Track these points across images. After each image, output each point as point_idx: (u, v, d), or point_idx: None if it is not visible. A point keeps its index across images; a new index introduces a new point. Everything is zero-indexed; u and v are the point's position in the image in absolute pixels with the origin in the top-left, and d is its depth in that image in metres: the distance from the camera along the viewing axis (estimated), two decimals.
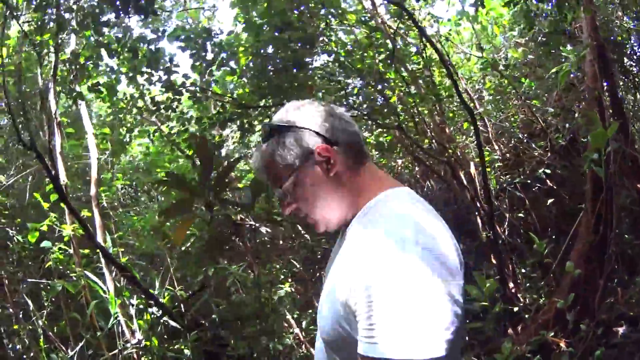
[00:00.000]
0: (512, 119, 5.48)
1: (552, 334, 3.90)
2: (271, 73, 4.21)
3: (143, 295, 4.00)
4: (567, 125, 5.35)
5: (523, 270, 4.99)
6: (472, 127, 5.12)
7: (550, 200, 5.27)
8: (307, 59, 4.43)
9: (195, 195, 3.01)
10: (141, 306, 4.30)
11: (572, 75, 5.26)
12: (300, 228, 5.43)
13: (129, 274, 3.79)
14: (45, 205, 4.78)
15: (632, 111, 5.38)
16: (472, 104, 5.25)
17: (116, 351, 4.10)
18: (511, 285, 4.96)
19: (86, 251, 4.74)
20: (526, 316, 4.59)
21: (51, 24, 4.15)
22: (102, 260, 4.41)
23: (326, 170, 1.16)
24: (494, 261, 5.04)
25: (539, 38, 5.62)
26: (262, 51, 4.23)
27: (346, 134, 1.19)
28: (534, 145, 5.23)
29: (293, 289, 5.01)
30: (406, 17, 4.41)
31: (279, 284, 4.73)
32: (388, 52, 4.48)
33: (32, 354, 4.70)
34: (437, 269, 0.98)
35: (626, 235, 4.66)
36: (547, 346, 3.96)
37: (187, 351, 4.20)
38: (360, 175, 1.20)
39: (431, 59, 4.78)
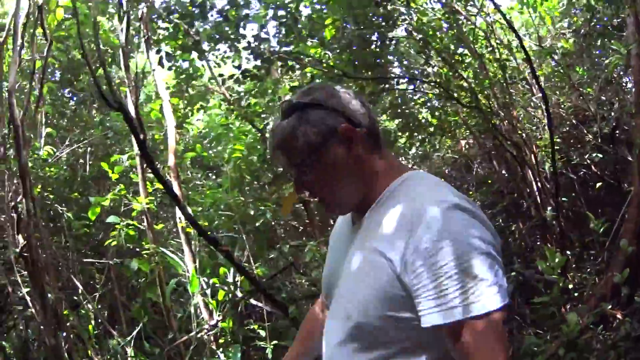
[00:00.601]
0: (563, 105, 5.76)
1: (609, 306, 4.21)
2: (355, 48, 4.33)
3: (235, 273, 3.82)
4: (612, 114, 5.68)
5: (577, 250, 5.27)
6: (532, 111, 5.39)
7: (598, 184, 5.59)
8: (389, 35, 4.56)
9: None
10: (218, 285, 4.09)
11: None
12: None
13: (224, 248, 3.47)
14: (115, 177, 4.60)
15: None
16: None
17: (193, 334, 3.94)
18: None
19: (160, 226, 4.58)
20: (584, 292, 4.88)
21: None
22: (182, 236, 4.22)
23: (347, 150, 1.16)
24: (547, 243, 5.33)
25: (583, 30, 5.93)
26: (347, 25, 4.34)
27: (368, 118, 1.19)
28: (585, 131, 5.51)
29: None
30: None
31: None
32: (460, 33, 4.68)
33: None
34: (485, 233, 1.04)
35: None
36: (604, 318, 4.25)
37: (262, 332, 4.09)
38: (379, 161, 1.20)
39: (503, 43, 4.99)
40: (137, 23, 4.42)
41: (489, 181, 5.43)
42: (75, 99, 6.38)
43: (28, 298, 4.94)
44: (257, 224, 4.62)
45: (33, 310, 4.79)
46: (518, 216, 5.38)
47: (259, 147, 5.02)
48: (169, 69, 5.18)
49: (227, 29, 4.02)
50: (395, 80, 4.55)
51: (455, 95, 4.62)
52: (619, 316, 4.20)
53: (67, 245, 5.17)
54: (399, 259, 1.04)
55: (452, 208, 1.03)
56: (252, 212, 4.59)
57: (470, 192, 5.53)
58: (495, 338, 1.01)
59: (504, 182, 5.25)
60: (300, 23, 4.07)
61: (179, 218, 4.10)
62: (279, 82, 5.22)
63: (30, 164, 5.24)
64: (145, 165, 4.17)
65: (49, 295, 4.35)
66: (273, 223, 4.82)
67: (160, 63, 4.38)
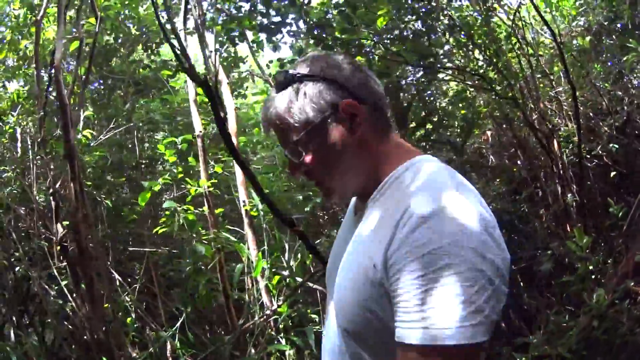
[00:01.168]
0: (580, 99, 6.13)
1: (632, 283, 4.59)
2: (408, 37, 4.56)
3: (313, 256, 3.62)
4: (625, 108, 6.08)
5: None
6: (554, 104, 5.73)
7: (612, 173, 5.98)
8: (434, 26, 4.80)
9: None
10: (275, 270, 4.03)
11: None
12: None
13: (299, 230, 3.20)
14: (172, 159, 4.48)
15: None
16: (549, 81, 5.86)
17: (257, 319, 3.85)
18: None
19: (219, 210, 4.35)
20: (606, 272, 5.26)
21: None
22: (245, 219, 4.10)
23: (350, 129, 1.03)
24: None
25: (595, 29, 6.31)
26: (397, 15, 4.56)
27: (374, 93, 1.07)
28: (600, 124, 5.88)
29: None
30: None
31: None
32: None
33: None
34: (487, 245, 0.88)
35: None
36: (627, 294, 4.62)
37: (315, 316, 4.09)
38: (385, 142, 1.07)
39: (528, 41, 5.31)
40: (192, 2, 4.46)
41: (514, 169, 5.74)
42: (102, 84, 6.39)
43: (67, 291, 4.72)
44: (305, 209, 4.69)
45: (74, 304, 4.63)
46: (539, 203, 5.71)
47: None
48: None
49: (292, 15, 4.14)
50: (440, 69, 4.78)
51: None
52: None
53: (105, 234, 5.09)
54: (381, 261, 0.92)
55: (453, 208, 0.88)
56: (300, 197, 4.68)
57: (497, 181, 5.83)
58: None
59: (526, 171, 5.58)
60: (357, 12, 4.24)
61: (243, 201, 4.07)
62: None
63: None
64: (204, 148, 4.21)
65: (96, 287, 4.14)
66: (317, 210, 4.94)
67: (233, 42, 4.42)
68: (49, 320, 4.76)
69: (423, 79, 4.45)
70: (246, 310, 4.05)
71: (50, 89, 5.18)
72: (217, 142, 5.30)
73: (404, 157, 1.05)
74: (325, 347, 1.16)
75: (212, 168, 4.42)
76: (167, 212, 4.39)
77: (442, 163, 1.05)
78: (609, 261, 5.21)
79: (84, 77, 4.68)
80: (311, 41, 4.26)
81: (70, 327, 5.26)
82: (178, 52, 2.98)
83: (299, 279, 3.93)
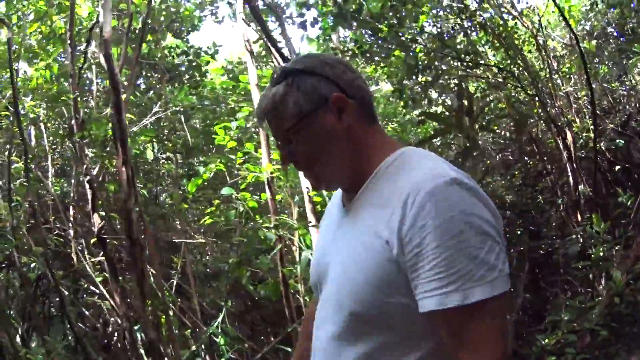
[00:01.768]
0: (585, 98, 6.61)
1: None
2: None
3: None
4: (627, 107, 6.58)
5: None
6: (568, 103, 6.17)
7: (617, 167, 6.46)
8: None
9: (453, 127, 3.61)
10: None
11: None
12: None
13: None
14: (231, 144, 4.41)
15: None
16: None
17: None
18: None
19: (279, 196, 4.31)
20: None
21: None
22: (308, 206, 3.95)
23: (339, 121, 1.11)
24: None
25: (596, 33, 6.82)
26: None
27: (362, 91, 1.16)
28: (607, 121, 6.35)
29: None
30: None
31: None
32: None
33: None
34: (486, 212, 1.00)
35: None
36: (639, 276, 5.06)
37: None
38: (372, 135, 1.15)
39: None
40: None
41: (531, 162, 6.13)
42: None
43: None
44: None
45: (112, 302, 4.44)
46: (553, 195, 6.12)
47: None
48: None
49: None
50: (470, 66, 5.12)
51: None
52: None
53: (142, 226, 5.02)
54: (395, 238, 0.99)
55: (452, 183, 0.98)
56: None
57: (516, 174, 6.21)
58: (494, 328, 0.96)
59: (542, 164, 5.99)
60: (404, 10, 4.54)
61: (307, 187, 4.00)
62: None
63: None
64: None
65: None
66: None
67: (304, 27, 4.63)
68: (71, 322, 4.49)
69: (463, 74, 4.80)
70: (304, 302, 4.01)
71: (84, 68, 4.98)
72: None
73: (391, 148, 1.14)
74: (315, 348, 1.19)
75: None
76: (216, 201, 4.39)
77: (429, 152, 1.17)
78: (617, 247, 5.67)
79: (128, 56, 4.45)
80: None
81: (103, 327, 5.14)
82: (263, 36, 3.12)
83: None
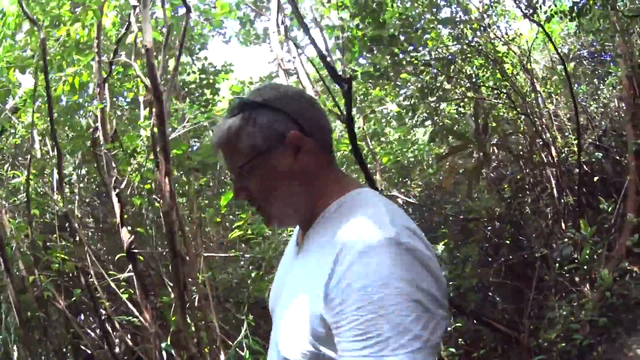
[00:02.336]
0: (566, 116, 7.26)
1: (627, 264, 5.62)
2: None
3: None
4: (602, 123, 7.23)
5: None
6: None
7: (595, 178, 7.08)
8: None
9: (471, 144, 4.05)
10: None
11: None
12: None
13: None
14: None
15: None
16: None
17: None
18: None
19: None
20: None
21: None
22: None
23: (294, 160, 1.08)
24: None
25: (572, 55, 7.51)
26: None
27: (322, 129, 1.13)
28: (585, 136, 6.98)
29: None
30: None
31: None
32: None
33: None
34: (423, 276, 0.94)
35: None
36: (626, 272, 5.61)
37: None
38: (327, 175, 1.12)
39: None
40: None
41: (519, 176, 6.68)
42: None
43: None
44: None
45: (141, 319, 4.35)
46: (540, 206, 6.68)
47: None
48: None
49: None
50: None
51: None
52: (636, 269, 5.67)
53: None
54: (322, 293, 0.96)
55: (387, 243, 0.94)
56: None
57: (506, 187, 6.74)
58: None
59: (532, 177, 6.55)
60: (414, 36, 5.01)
61: None
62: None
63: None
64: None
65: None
66: None
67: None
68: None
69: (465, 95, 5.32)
70: None
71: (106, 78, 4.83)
72: None
73: (343, 190, 1.10)
74: None
75: None
76: (242, 215, 4.46)
77: (379, 195, 1.11)
78: (600, 250, 6.23)
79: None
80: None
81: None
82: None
83: None
